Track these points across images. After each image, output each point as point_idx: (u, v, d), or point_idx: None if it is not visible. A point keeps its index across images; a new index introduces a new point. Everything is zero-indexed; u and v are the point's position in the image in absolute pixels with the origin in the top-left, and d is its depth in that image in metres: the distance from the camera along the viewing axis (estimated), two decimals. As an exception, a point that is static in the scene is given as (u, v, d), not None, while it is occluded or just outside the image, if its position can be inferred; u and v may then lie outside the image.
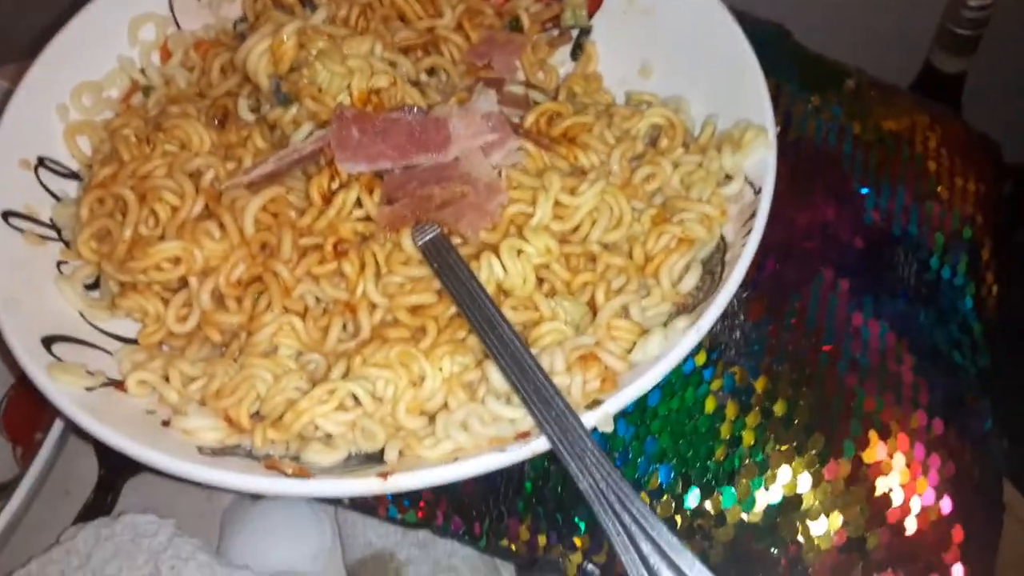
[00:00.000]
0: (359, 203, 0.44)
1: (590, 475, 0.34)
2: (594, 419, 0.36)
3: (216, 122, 0.50)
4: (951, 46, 0.83)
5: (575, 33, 0.56)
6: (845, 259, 0.48)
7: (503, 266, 0.41)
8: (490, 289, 0.41)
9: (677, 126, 0.47)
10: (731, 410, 0.42)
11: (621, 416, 0.43)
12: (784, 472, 0.41)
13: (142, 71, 0.54)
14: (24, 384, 0.60)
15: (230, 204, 0.44)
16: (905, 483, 0.42)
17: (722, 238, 0.43)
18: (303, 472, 0.36)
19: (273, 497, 0.56)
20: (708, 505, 0.41)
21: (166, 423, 0.40)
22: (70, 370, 0.40)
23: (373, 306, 0.42)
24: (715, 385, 0.43)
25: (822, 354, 0.44)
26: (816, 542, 0.41)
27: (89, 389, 0.41)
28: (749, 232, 0.40)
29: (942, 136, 0.58)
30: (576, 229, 0.44)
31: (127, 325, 0.46)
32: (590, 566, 0.43)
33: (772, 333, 0.44)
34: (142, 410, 0.41)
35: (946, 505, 0.42)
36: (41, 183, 0.49)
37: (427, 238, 0.42)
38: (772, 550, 0.41)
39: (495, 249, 0.42)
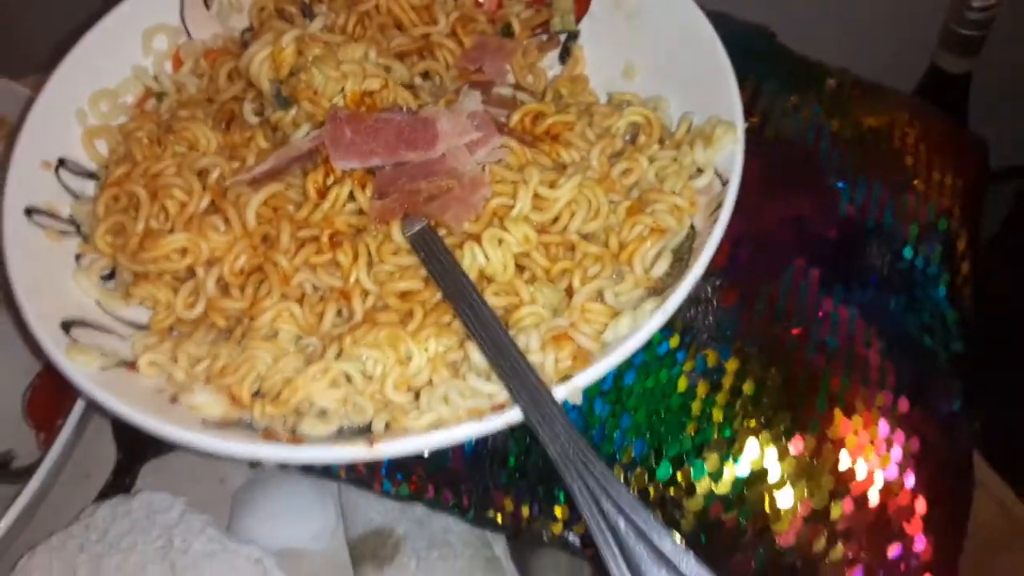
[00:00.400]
0: (353, 198, 0.47)
1: (558, 441, 0.36)
2: (564, 392, 0.39)
3: (223, 124, 0.53)
4: (955, 47, 0.84)
5: (563, 38, 0.59)
6: (817, 249, 0.50)
7: (485, 254, 0.44)
8: (473, 276, 0.44)
9: (654, 123, 0.50)
10: (702, 389, 0.45)
11: (599, 395, 0.45)
12: (751, 446, 0.43)
13: (155, 79, 0.57)
14: (47, 374, 0.64)
15: (234, 199, 0.48)
16: (869, 458, 0.44)
17: (692, 227, 0.45)
18: (297, 439, 0.39)
19: (280, 479, 0.59)
20: (679, 477, 0.43)
21: (174, 399, 0.43)
22: (86, 351, 0.43)
23: (365, 293, 0.45)
24: (687, 366, 0.45)
25: (791, 337, 0.46)
26: (782, 512, 0.43)
27: (103, 369, 0.44)
28: (716, 221, 0.42)
29: (921, 132, 0.60)
30: (556, 220, 0.46)
31: (140, 313, 0.49)
32: (571, 536, 0.46)
33: (743, 319, 0.47)
34: (152, 388, 0.44)
35: (909, 479, 0.44)
36: (61, 182, 0.52)
37: (415, 229, 0.45)
38: (740, 519, 0.43)
39: (478, 239, 0.44)
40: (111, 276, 0.51)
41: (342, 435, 0.42)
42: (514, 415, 0.38)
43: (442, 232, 0.46)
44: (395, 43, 0.55)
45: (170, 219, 0.48)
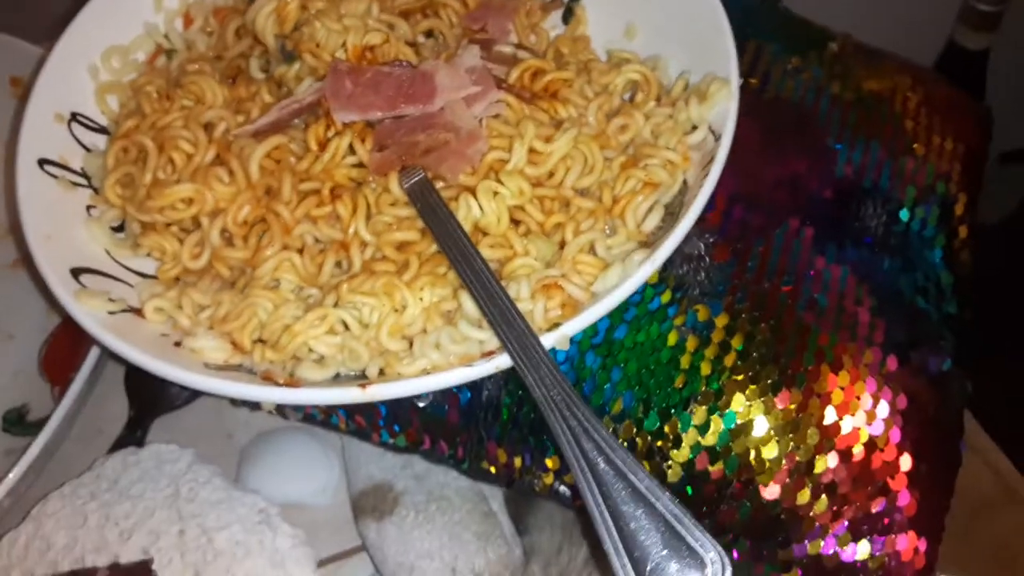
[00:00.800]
0: (353, 151, 0.48)
1: (543, 386, 0.37)
2: (552, 339, 0.40)
3: (230, 80, 0.55)
4: (974, 22, 0.84)
5: (566, -2, 0.59)
6: (812, 208, 0.50)
7: (480, 206, 0.45)
8: (467, 227, 0.44)
9: (651, 81, 0.50)
10: (691, 343, 0.45)
11: (591, 348, 0.46)
12: (738, 400, 0.44)
13: (166, 36, 0.58)
14: (61, 331, 0.66)
15: (238, 152, 0.49)
16: (855, 413, 0.44)
17: (684, 183, 0.46)
18: (293, 382, 0.41)
19: (286, 437, 0.61)
20: (666, 428, 0.44)
21: (178, 344, 0.45)
22: (95, 295, 0.45)
23: (364, 244, 0.47)
24: (678, 321, 0.46)
25: (782, 294, 0.47)
26: (767, 464, 0.44)
27: (111, 313, 0.45)
28: (707, 176, 0.43)
29: (923, 97, 0.59)
30: (552, 175, 0.47)
31: (148, 264, 0.51)
32: (561, 487, 0.47)
33: (735, 275, 0.47)
34: (157, 333, 0.46)
35: (895, 435, 0.45)
36: (73, 136, 0.53)
37: (412, 181, 0.46)
38: (726, 471, 0.44)
39: (473, 191, 0.45)
40: (120, 228, 0.52)
41: (339, 380, 0.43)
42: (503, 361, 0.39)
43: (439, 184, 0.47)
44: (399, 1, 0.56)
45: (177, 170, 0.50)
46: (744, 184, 0.50)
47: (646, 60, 0.53)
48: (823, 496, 0.44)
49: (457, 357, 0.41)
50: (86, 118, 0.55)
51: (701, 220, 0.44)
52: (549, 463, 0.47)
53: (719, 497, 0.44)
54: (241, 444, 0.62)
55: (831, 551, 0.44)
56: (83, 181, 0.52)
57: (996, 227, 1.33)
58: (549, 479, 0.47)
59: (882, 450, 0.44)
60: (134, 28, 0.57)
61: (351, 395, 0.39)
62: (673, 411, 0.44)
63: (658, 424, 0.44)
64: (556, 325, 0.40)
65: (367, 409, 0.48)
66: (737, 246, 0.48)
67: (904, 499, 0.44)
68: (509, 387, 0.47)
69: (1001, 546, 0.57)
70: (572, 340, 0.42)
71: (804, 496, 0.44)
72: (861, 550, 0.44)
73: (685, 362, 0.45)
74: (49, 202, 0.50)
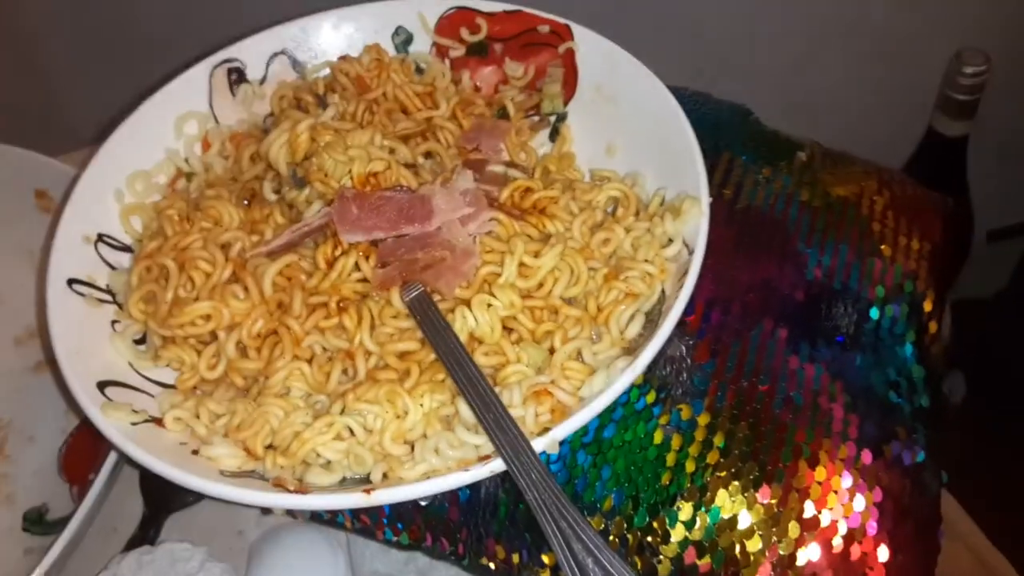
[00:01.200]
0: (358, 267, 0.52)
1: (535, 489, 0.40)
2: (543, 444, 0.43)
3: (245, 201, 0.59)
4: (951, 111, 0.88)
5: (553, 119, 0.65)
6: (785, 310, 0.54)
7: (475, 318, 0.49)
8: (463, 337, 0.48)
9: (631, 197, 0.55)
10: (676, 441, 0.48)
11: (581, 446, 0.49)
12: (722, 496, 0.47)
13: (186, 160, 0.63)
14: (80, 432, 0.69)
15: (253, 270, 0.53)
16: (832, 506, 0.47)
17: (663, 292, 0.50)
18: (303, 488, 0.44)
19: (293, 533, 0.63)
20: (655, 524, 0.47)
21: (195, 452, 0.48)
22: (119, 408, 0.48)
23: (368, 353, 0.50)
24: (663, 420, 0.49)
25: (759, 393, 0.50)
26: (752, 557, 0.46)
27: (134, 424, 0.48)
28: (682, 287, 0.47)
29: (890, 199, 0.64)
30: (541, 286, 0.51)
31: (168, 374, 0.54)
32: (557, 582, 0.49)
33: (715, 375, 0.50)
34: (176, 442, 0.49)
35: (872, 527, 0.47)
36: (100, 255, 0.57)
37: (412, 295, 0.50)
38: (713, 565, 0.46)
39: (468, 303, 0.49)
40: (142, 340, 0.56)
41: (345, 484, 0.46)
42: (497, 465, 0.42)
43: (437, 298, 0.51)
44: (400, 126, 0.61)
45: (196, 288, 0.54)
46: (720, 289, 0.54)
47: (626, 176, 0.58)
48: (806, 588, 0.46)
49: (455, 461, 0.44)
50: (111, 238, 0.59)
51: (681, 324, 0.48)
52: (546, 559, 0.49)
53: (709, 590, 0.46)
54: (250, 540, 0.64)
55: (816, 642, 0.46)
56: (108, 297, 0.56)
57: (991, 301, 1.36)
58: (546, 574, 0.49)
59: (860, 542, 0.47)
60: (156, 154, 0.63)
61: (356, 500, 0.42)
62: (661, 507, 0.47)
63: (647, 520, 0.47)
64: (546, 429, 0.43)
65: (371, 509, 0.50)
66: (716, 347, 0.51)
67: (884, 589, 0.46)
68: (506, 485, 0.49)
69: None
70: (564, 440, 0.45)
71: (788, 588, 0.46)
72: (845, 640, 0.46)
73: (671, 460, 0.48)
74: (77, 319, 0.53)
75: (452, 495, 0.49)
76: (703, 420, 0.49)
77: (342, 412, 0.48)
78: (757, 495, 0.47)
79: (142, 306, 0.54)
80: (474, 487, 0.49)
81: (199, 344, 0.54)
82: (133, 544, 0.62)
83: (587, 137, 0.63)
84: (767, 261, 0.56)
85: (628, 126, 0.60)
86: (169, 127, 0.63)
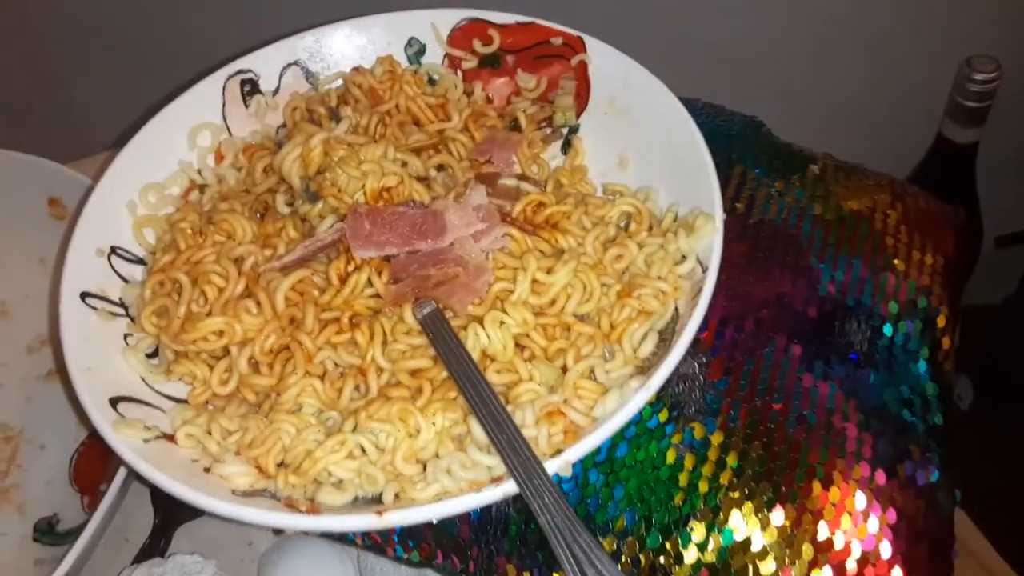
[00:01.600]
0: (370, 283, 0.52)
1: (548, 512, 0.40)
2: (555, 466, 0.43)
3: (258, 215, 0.59)
4: (961, 118, 0.88)
5: (565, 131, 0.64)
6: (798, 327, 0.54)
7: (488, 335, 0.49)
8: (476, 355, 0.48)
9: (644, 213, 0.54)
10: (689, 461, 0.48)
11: (593, 465, 0.49)
12: (735, 517, 0.47)
13: (199, 172, 0.63)
14: (91, 441, 0.69)
15: (266, 285, 0.53)
16: (846, 528, 0.47)
17: (676, 310, 0.50)
18: (314, 509, 0.44)
19: (303, 544, 0.63)
20: (668, 545, 0.47)
21: (207, 470, 0.48)
22: (131, 425, 0.48)
23: (380, 369, 0.50)
24: (676, 439, 0.49)
25: (773, 411, 0.50)
26: (765, 579, 0.46)
27: (146, 441, 0.48)
28: (696, 305, 0.47)
29: (902, 213, 0.63)
30: (553, 302, 0.51)
31: (180, 388, 0.55)
32: (568, 600, 0.49)
33: (728, 393, 0.50)
34: (188, 459, 0.49)
35: (886, 549, 0.47)
36: (113, 268, 0.57)
37: (425, 312, 0.50)
38: (726, 586, 0.46)
39: (481, 321, 0.49)
40: (154, 354, 0.56)
41: (356, 503, 0.46)
42: (510, 487, 0.42)
43: (449, 314, 0.50)
44: (412, 139, 0.61)
45: (209, 303, 0.54)
46: (734, 305, 0.53)
47: (638, 190, 0.57)
48: (820, 610, 0.46)
49: (467, 482, 0.44)
50: (124, 250, 0.59)
51: (695, 341, 0.48)
52: (556, 578, 0.49)
53: (721, 611, 0.46)
54: (260, 551, 0.64)
55: (830, 664, 0.45)
56: (121, 311, 0.56)
57: (998, 307, 1.36)
58: (557, 593, 0.49)
59: (874, 564, 0.46)
60: (169, 165, 0.63)
61: (368, 522, 0.42)
62: (674, 528, 0.47)
63: (660, 541, 0.47)
64: (559, 451, 0.43)
65: (383, 526, 0.50)
66: (729, 365, 0.51)
67: (898, 612, 0.46)
68: (517, 504, 0.49)
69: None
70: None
71: (802, 610, 0.46)
72: (858, 662, 0.45)
73: (684, 480, 0.48)
74: (89, 333, 0.53)
75: (463, 513, 0.49)
76: (716, 439, 0.49)
77: (354, 430, 0.48)
78: (770, 516, 0.47)
79: (154, 320, 0.54)
80: (485, 506, 0.49)
81: (211, 359, 0.54)
82: (143, 554, 0.62)
83: (599, 150, 0.62)
84: (780, 276, 0.56)
85: (641, 139, 0.59)
86: (182, 138, 0.63)
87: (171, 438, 0.50)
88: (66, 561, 0.55)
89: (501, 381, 0.48)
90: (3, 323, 0.75)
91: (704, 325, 0.50)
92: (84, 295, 0.55)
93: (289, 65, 0.66)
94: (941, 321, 0.58)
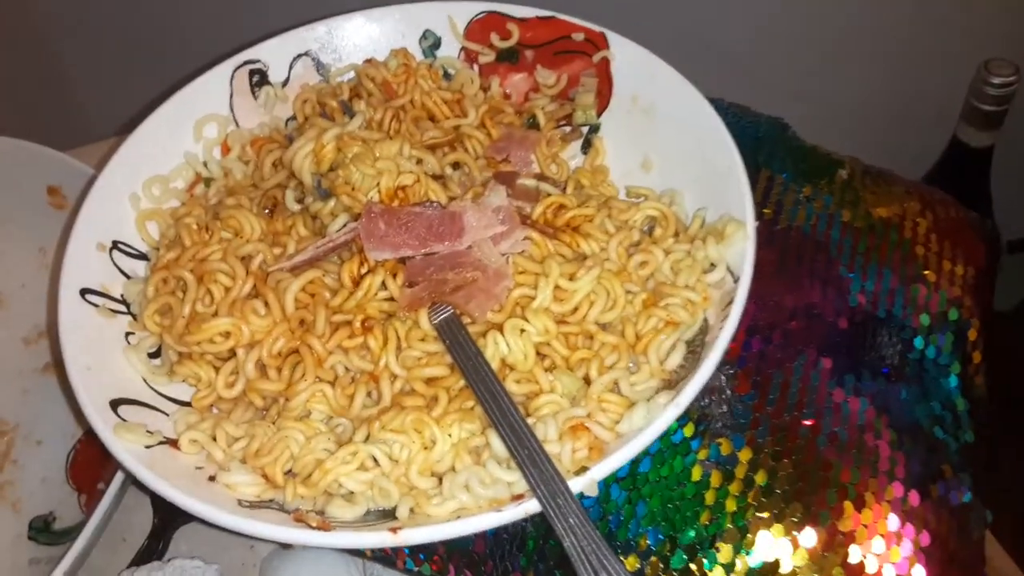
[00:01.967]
0: (384, 286, 0.50)
1: (572, 534, 0.38)
2: (580, 484, 0.41)
3: (266, 211, 0.57)
4: (977, 121, 0.86)
5: (585, 130, 0.62)
6: (828, 339, 0.52)
7: (507, 344, 0.47)
8: (495, 364, 0.46)
9: (669, 217, 0.52)
10: (716, 478, 0.46)
11: (615, 481, 0.47)
12: (763, 538, 0.45)
13: (205, 164, 0.61)
14: (89, 438, 0.67)
15: (275, 285, 0.51)
16: (879, 552, 0.45)
17: (705, 320, 0.48)
18: (325, 525, 0.42)
19: (307, 549, 0.61)
20: (693, 567, 0.45)
21: (212, 478, 0.46)
22: (132, 429, 0.46)
23: (393, 376, 0.48)
24: (702, 455, 0.47)
25: (803, 428, 0.48)
26: (793, 604, 0.44)
27: (148, 447, 0.46)
28: (727, 317, 0.45)
29: (932, 222, 0.61)
30: (575, 310, 0.49)
31: (183, 389, 0.52)
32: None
33: (756, 408, 0.48)
34: (192, 466, 0.47)
35: (919, 573, 0.45)
36: (114, 263, 0.55)
37: (441, 317, 0.48)
38: (752, 610, 0.44)
39: (500, 328, 0.47)
40: (157, 353, 0.54)
41: (368, 517, 0.44)
42: (532, 506, 0.40)
43: (466, 320, 0.48)
44: (427, 135, 0.59)
45: (215, 302, 0.51)
46: (761, 315, 0.51)
47: (663, 193, 0.55)
48: (850, 636, 0.44)
49: (487, 500, 0.42)
50: (126, 245, 0.57)
51: (721, 352, 0.46)
52: (576, 598, 0.47)
53: (746, 635, 0.44)
54: (262, 554, 0.62)
55: None
56: (122, 308, 0.54)
57: (1011, 313, 1.34)
58: (574, 612, 0.47)
59: (907, 589, 0.45)
60: (174, 157, 0.60)
61: (383, 539, 0.40)
62: (699, 548, 0.45)
63: (685, 562, 0.45)
64: (584, 468, 0.41)
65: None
66: (757, 378, 0.49)
67: (931, 639, 0.44)
68: (535, 518, 0.47)
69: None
70: (597, 478, 0.43)
71: (831, 636, 0.44)
72: None
73: (710, 498, 0.46)
74: (89, 331, 0.51)
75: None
76: (744, 456, 0.47)
77: (366, 440, 0.45)
78: (800, 538, 0.45)
79: (157, 319, 0.52)
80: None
81: (217, 360, 0.52)
82: (142, 556, 0.60)
83: (621, 150, 0.60)
84: (810, 286, 0.54)
85: (665, 140, 0.57)
86: (188, 130, 0.61)
87: (174, 443, 0.48)
88: (64, 563, 0.53)
89: (520, 391, 0.46)
90: (-1, 313, 0.73)
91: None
92: (84, 291, 0.53)
93: (300, 56, 0.64)
94: (972, 334, 0.56)
